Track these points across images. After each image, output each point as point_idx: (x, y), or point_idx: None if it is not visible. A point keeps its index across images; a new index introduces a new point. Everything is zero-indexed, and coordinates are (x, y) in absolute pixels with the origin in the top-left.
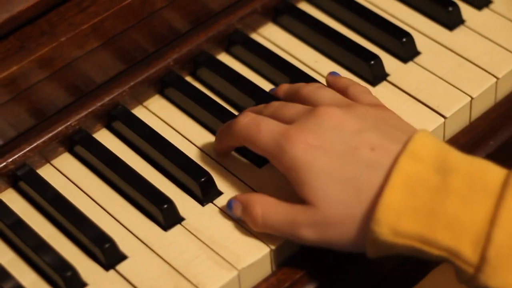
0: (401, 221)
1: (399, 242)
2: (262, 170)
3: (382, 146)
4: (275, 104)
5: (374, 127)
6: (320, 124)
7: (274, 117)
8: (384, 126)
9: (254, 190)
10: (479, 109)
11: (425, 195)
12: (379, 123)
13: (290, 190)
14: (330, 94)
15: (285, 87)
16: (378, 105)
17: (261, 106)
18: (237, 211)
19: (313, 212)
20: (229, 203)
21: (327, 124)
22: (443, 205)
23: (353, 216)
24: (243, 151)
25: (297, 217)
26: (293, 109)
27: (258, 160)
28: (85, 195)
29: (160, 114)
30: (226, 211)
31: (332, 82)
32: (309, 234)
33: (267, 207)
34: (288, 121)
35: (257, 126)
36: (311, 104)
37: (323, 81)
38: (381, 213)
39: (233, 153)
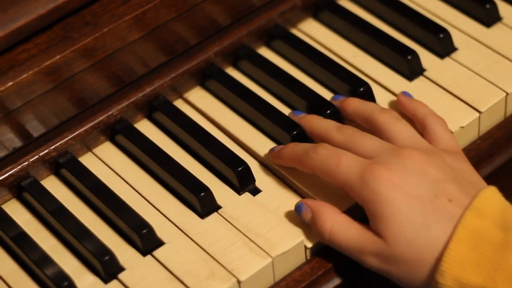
0: (465, 273)
1: None
2: None
3: (458, 199)
4: (347, 131)
5: (454, 179)
6: (404, 165)
7: (349, 145)
8: (461, 179)
9: (291, 180)
10: None
11: (488, 250)
12: (458, 176)
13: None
14: (410, 132)
15: (355, 104)
16: (455, 153)
17: (331, 127)
18: (307, 216)
19: (384, 246)
20: (299, 207)
21: (411, 167)
22: (505, 260)
23: (423, 261)
24: (278, 141)
25: (366, 244)
26: (371, 142)
27: None
28: (125, 183)
29: (200, 105)
30: (295, 211)
31: (407, 105)
32: (374, 263)
33: (338, 226)
34: (366, 155)
35: (337, 159)
36: (387, 137)
37: (362, 75)
38: (446, 265)
39: (270, 143)
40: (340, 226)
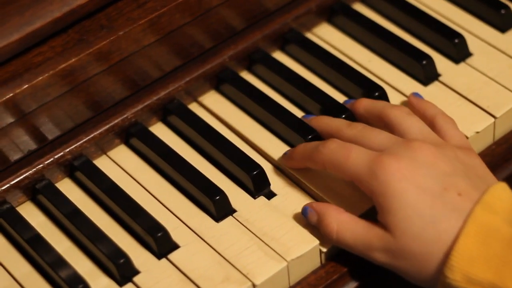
0: (474, 268)
1: None
2: None
3: (468, 193)
4: (358, 126)
5: (464, 173)
6: (414, 157)
7: (359, 140)
8: (472, 174)
9: (305, 184)
10: None
11: (497, 246)
12: (468, 170)
13: (342, 183)
14: (420, 126)
15: (366, 103)
16: (466, 149)
17: (342, 124)
18: (313, 219)
19: (391, 240)
20: (305, 210)
21: (421, 159)
22: None
23: (431, 255)
24: (293, 145)
25: (373, 241)
26: (381, 136)
27: None
28: (139, 186)
29: (214, 109)
30: (302, 214)
31: (417, 106)
32: (381, 258)
33: (343, 225)
34: (376, 148)
35: (347, 152)
36: (399, 131)
37: (376, 80)
38: (455, 260)
39: (285, 147)
40: (345, 225)
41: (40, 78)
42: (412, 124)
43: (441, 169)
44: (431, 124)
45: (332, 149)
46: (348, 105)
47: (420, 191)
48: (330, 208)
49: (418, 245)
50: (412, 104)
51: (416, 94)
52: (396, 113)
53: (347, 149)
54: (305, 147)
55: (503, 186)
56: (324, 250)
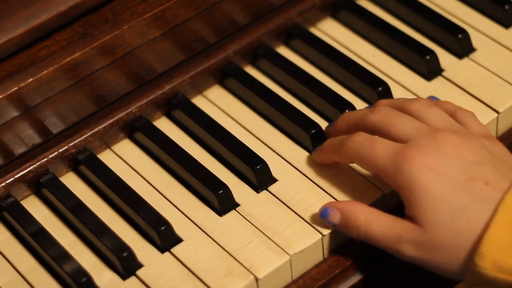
0: (504, 257)
1: (501, 277)
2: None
3: (495, 182)
4: (383, 110)
5: (490, 162)
6: (438, 148)
7: (384, 127)
8: (499, 162)
9: (309, 178)
10: None
11: None
12: (494, 159)
13: (345, 174)
14: (442, 116)
15: (386, 101)
16: (490, 138)
17: (365, 111)
18: (335, 218)
19: (420, 232)
20: (325, 211)
21: (446, 150)
22: None
23: (460, 245)
24: (294, 143)
25: (402, 232)
26: (407, 123)
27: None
28: (143, 180)
29: (218, 104)
30: (320, 218)
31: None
32: (410, 251)
33: (371, 217)
34: (402, 138)
35: (372, 144)
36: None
37: (380, 75)
38: (485, 248)
39: (289, 141)
40: (373, 218)
41: (45, 71)
42: (435, 114)
43: (466, 158)
44: (452, 117)
45: (357, 142)
46: (369, 109)
47: (446, 182)
48: (354, 204)
49: (448, 236)
50: None
51: (432, 97)
52: (416, 105)
53: (372, 142)
54: (332, 141)
55: None
56: (327, 244)
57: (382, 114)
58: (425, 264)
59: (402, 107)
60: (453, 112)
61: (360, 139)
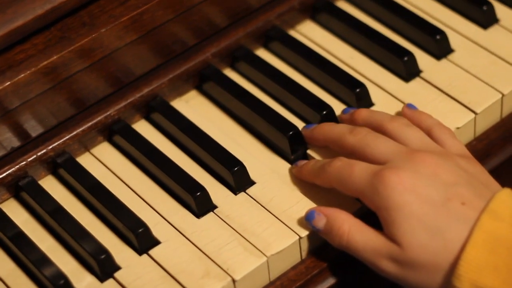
0: (482, 277)
1: None
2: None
3: (472, 202)
4: (361, 132)
5: (467, 182)
6: (415, 169)
7: (361, 148)
8: (475, 182)
9: (287, 181)
10: (510, 106)
11: (506, 254)
12: (471, 179)
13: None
14: (419, 136)
15: (365, 114)
16: (467, 157)
17: (344, 131)
18: (320, 223)
19: (398, 251)
20: (311, 214)
21: (423, 170)
22: None
23: (438, 265)
24: (272, 146)
25: (382, 248)
26: (384, 145)
27: (292, 153)
28: (122, 182)
29: (197, 106)
30: (305, 220)
31: (412, 117)
32: (389, 268)
33: (356, 228)
34: (379, 160)
35: (350, 168)
36: (399, 143)
37: (358, 76)
38: (462, 269)
39: (267, 144)
40: (357, 229)
41: (23, 75)
42: (413, 135)
43: (443, 179)
44: (428, 135)
45: (337, 167)
46: (347, 115)
47: (423, 202)
48: (341, 212)
49: (425, 256)
50: (406, 116)
51: (410, 105)
52: (394, 125)
53: (351, 166)
54: (313, 166)
55: (508, 192)
56: (305, 245)
57: (360, 136)
58: (405, 282)
59: (381, 127)
60: (430, 129)
61: (340, 164)
